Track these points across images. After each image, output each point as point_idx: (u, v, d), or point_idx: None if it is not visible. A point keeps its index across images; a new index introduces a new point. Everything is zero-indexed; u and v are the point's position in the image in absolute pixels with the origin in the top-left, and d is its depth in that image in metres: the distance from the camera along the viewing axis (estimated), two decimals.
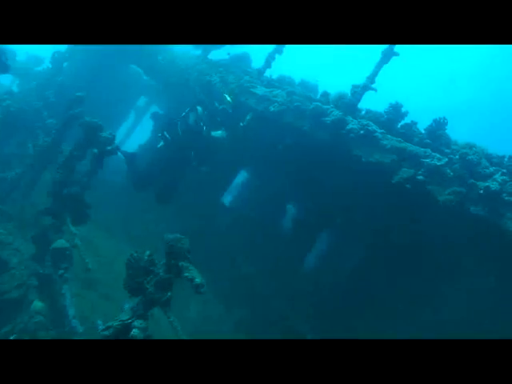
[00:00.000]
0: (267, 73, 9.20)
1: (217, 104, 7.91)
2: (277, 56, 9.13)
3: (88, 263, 5.65)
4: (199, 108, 7.67)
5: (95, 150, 6.81)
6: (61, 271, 5.67)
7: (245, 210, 10.22)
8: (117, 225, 10.27)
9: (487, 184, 4.80)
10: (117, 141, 7.19)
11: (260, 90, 8.10)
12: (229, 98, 7.93)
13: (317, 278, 8.48)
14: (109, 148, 6.79)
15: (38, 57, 15.19)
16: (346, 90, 7.34)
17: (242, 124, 8.04)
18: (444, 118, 6.29)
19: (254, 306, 8.32)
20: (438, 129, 6.28)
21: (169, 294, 3.91)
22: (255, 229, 9.58)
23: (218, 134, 7.75)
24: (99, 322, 4.78)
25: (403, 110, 6.78)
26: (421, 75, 44.51)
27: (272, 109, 7.60)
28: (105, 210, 9.68)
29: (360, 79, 7.11)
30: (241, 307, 8.40)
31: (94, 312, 6.81)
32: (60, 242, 5.85)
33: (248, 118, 8.08)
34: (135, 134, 18.24)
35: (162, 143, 7.75)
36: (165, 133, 7.66)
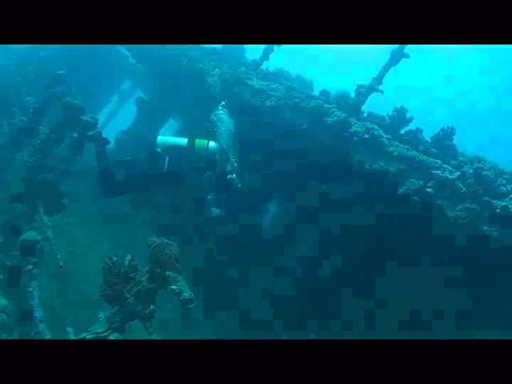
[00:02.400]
0: (264, 65, 8.75)
1: (234, 176, 6.89)
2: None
3: (60, 259, 5.15)
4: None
5: (75, 135, 6.34)
6: (29, 266, 5.15)
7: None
8: (92, 213, 9.73)
9: (505, 203, 4.48)
10: (98, 125, 6.67)
11: (256, 83, 7.64)
12: (247, 177, 7.05)
13: (299, 283, 8.13)
14: (90, 133, 6.35)
15: None
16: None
17: (230, 176, 7.00)
18: (452, 128, 5.94)
19: (235, 310, 7.93)
20: (445, 138, 5.94)
21: (151, 307, 3.47)
22: (237, 226, 9.18)
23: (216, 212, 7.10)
24: (69, 328, 4.31)
25: (408, 115, 6.42)
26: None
27: (268, 103, 7.16)
28: (81, 196, 9.17)
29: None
30: (221, 310, 8.00)
31: (64, 309, 6.42)
32: (30, 234, 5.32)
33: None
34: (117, 118, 17.67)
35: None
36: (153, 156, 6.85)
